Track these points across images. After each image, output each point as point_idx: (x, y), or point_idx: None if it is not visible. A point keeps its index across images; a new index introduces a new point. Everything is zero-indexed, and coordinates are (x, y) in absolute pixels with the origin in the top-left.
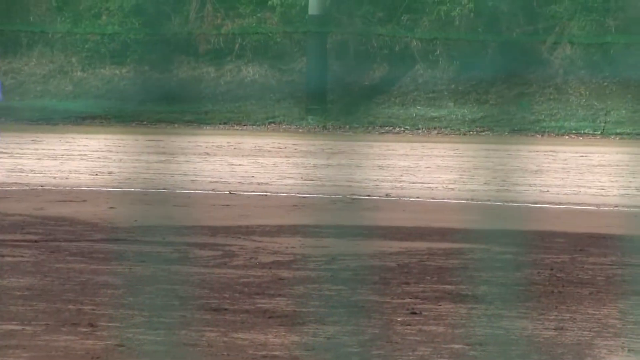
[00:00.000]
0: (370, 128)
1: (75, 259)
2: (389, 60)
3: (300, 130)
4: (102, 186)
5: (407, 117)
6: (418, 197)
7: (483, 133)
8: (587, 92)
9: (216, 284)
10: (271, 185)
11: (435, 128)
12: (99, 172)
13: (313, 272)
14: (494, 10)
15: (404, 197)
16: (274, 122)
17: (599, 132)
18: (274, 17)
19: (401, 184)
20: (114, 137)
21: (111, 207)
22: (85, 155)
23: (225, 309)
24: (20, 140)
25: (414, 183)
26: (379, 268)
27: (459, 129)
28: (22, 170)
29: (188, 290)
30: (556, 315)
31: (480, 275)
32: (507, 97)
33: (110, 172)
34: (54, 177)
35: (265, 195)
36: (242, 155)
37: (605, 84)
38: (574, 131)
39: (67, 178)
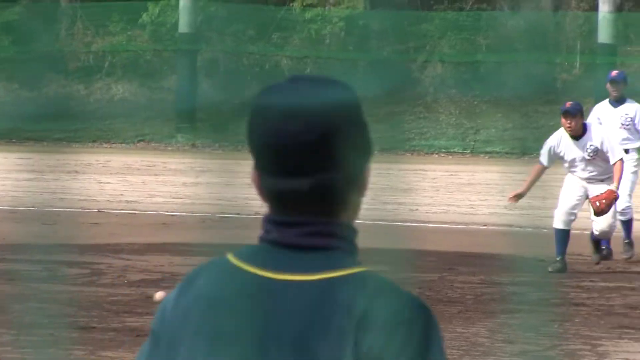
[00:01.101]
0: (239, 146)
1: None
2: (260, 79)
3: (170, 148)
4: None
5: None
6: None
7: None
8: (457, 111)
9: (84, 302)
10: (140, 203)
11: None
12: None
13: None
14: (364, 29)
15: None
16: (143, 140)
17: (469, 151)
18: (144, 34)
19: None
20: None
21: None
22: None
23: (93, 327)
24: None
25: None
26: None
27: None
28: None
29: (56, 308)
30: None
31: None
32: (377, 115)
33: None
34: None
35: (134, 213)
36: (111, 174)
37: (475, 102)
38: (443, 150)
39: None
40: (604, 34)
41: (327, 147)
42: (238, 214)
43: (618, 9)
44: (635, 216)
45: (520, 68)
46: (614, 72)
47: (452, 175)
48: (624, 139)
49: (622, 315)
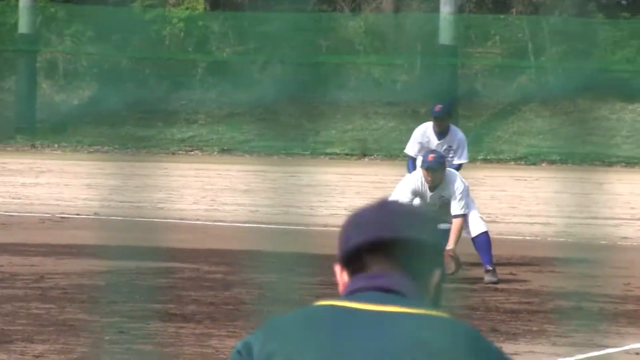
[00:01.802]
0: (78, 147)
1: None
2: (99, 79)
3: (9, 148)
4: None
5: (116, 135)
6: (126, 216)
7: (192, 152)
8: (298, 112)
9: None
10: None
11: (144, 147)
12: None
13: (21, 291)
14: (204, 30)
15: (113, 216)
16: None
17: (309, 152)
18: None
19: (110, 203)
20: None
21: None
22: None
23: None
24: None
25: (122, 202)
26: (88, 287)
27: (167, 148)
28: None
29: None
30: None
31: (189, 295)
32: (217, 116)
33: None
34: None
35: None
36: None
37: (316, 104)
38: (283, 151)
39: None
40: (445, 36)
41: None
42: (77, 214)
43: (459, 10)
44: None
45: (361, 69)
46: (437, 107)
47: (291, 176)
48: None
49: (463, 316)
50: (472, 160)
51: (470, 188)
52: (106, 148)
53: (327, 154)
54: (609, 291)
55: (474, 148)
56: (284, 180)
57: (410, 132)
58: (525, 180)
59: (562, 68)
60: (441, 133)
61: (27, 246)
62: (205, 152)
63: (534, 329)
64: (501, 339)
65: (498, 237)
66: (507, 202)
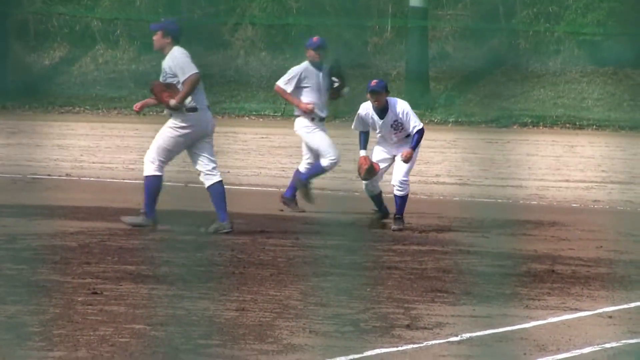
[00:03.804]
0: (50, 108)
1: None
2: (70, 40)
3: None
4: None
5: (87, 97)
6: (98, 177)
7: (163, 113)
8: (269, 74)
9: None
10: None
11: (115, 108)
12: None
13: None
14: None
15: (85, 177)
16: None
17: (280, 114)
18: None
19: (81, 164)
20: None
21: None
22: None
23: None
24: None
25: (94, 163)
26: (60, 248)
27: None
28: None
29: None
30: (237, 296)
31: (162, 256)
32: None
33: None
34: None
35: None
36: None
37: (287, 65)
38: (254, 113)
39: None
40: None
41: None
42: (49, 175)
43: None
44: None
45: (331, 31)
46: (374, 82)
47: (263, 138)
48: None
49: (435, 278)
50: (444, 122)
51: (441, 150)
52: (77, 109)
53: (297, 115)
54: (581, 254)
55: (445, 111)
56: (255, 141)
57: None
58: (497, 143)
59: (533, 31)
60: (382, 110)
61: None
62: None
63: (507, 292)
64: (474, 301)
65: (470, 199)
66: (478, 164)
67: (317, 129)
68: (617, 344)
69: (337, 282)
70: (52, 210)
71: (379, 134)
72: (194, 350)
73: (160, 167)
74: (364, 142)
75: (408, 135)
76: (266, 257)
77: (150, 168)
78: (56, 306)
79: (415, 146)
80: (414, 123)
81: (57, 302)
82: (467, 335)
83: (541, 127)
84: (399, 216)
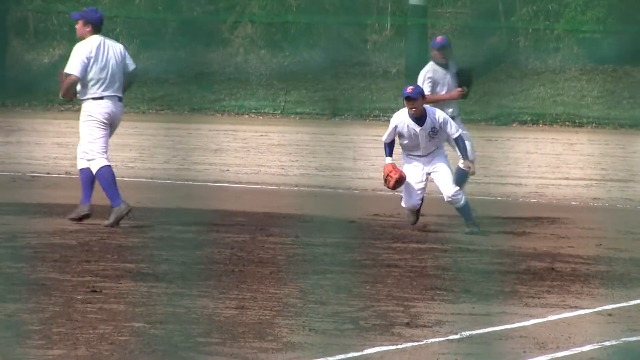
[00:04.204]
0: (49, 106)
1: None
2: (69, 38)
3: None
4: None
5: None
6: None
7: (162, 112)
8: (268, 72)
9: None
10: None
11: None
12: None
13: None
14: None
15: None
16: None
17: (279, 112)
18: None
19: None
20: None
21: None
22: None
23: None
24: None
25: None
26: (60, 246)
27: (138, 107)
28: None
29: None
30: (237, 294)
31: (161, 254)
32: (187, 76)
33: None
34: None
35: None
36: None
37: (286, 63)
38: (254, 110)
39: None
40: None
41: None
42: (48, 173)
43: None
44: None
45: (331, 29)
46: (410, 88)
47: (262, 135)
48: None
49: (435, 276)
50: None
51: None
52: (77, 107)
53: (297, 113)
54: (580, 252)
55: None
56: (255, 139)
57: (380, 92)
58: (497, 140)
59: (533, 29)
60: (419, 118)
61: None
62: (176, 111)
63: (506, 289)
64: (473, 299)
65: (469, 197)
66: (478, 162)
67: None
68: (617, 342)
69: (336, 280)
70: (52, 208)
71: (407, 148)
72: (193, 348)
73: (104, 157)
74: (389, 150)
75: (436, 148)
76: (266, 255)
77: (96, 162)
78: (55, 304)
79: (465, 154)
80: (454, 130)
81: (57, 300)
82: (467, 333)
83: (541, 125)
84: (471, 221)
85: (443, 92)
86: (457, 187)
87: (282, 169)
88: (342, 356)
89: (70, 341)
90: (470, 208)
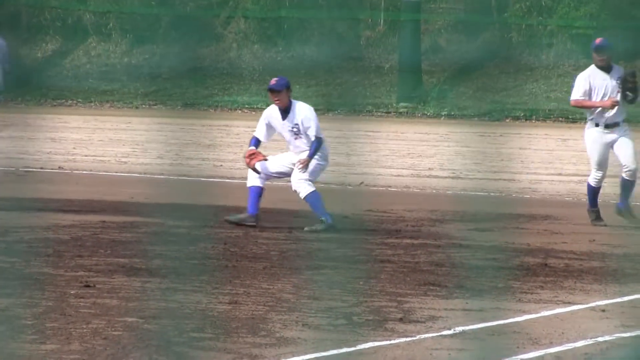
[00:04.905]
0: (42, 101)
1: None
2: (62, 33)
3: None
4: None
5: (80, 90)
6: (91, 170)
7: (156, 107)
8: (261, 67)
9: None
10: None
11: (107, 101)
12: None
13: None
14: None
15: (77, 170)
16: None
17: None
18: None
19: (74, 157)
20: None
21: None
22: None
23: None
24: None
25: (86, 156)
26: (53, 240)
27: (131, 103)
28: None
29: None
30: (230, 290)
31: (154, 249)
32: (179, 70)
33: None
34: None
35: None
36: None
37: (279, 58)
38: (247, 106)
39: None
40: None
41: None
42: (42, 168)
43: None
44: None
45: (324, 25)
46: (274, 80)
47: (255, 131)
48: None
49: (428, 272)
50: (436, 116)
51: (434, 144)
52: (70, 102)
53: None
54: (574, 248)
55: (438, 104)
56: (248, 135)
57: (373, 87)
58: (490, 136)
59: (526, 24)
60: (284, 111)
61: None
62: (169, 106)
63: (500, 285)
64: (467, 295)
65: (462, 193)
66: (471, 158)
67: (599, 142)
68: (610, 338)
69: (330, 276)
70: (45, 203)
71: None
72: (186, 343)
73: None
74: (254, 142)
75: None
76: (259, 250)
77: None
78: (49, 299)
79: (312, 154)
80: (314, 131)
81: (50, 295)
82: (460, 328)
83: (534, 121)
84: (319, 214)
85: (599, 99)
86: (305, 177)
87: None
88: (336, 351)
89: (63, 336)
90: (321, 202)
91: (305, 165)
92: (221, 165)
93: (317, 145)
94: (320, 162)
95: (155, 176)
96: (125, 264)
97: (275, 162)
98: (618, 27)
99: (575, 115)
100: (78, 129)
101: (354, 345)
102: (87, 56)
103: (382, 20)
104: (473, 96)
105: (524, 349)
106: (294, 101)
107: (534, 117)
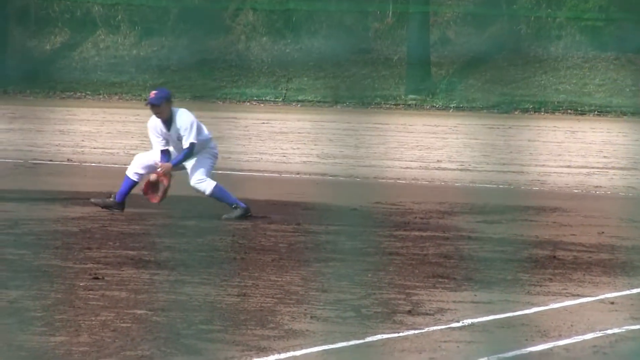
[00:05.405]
0: (51, 93)
1: None
2: (71, 25)
3: None
4: None
5: (89, 82)
6: (100, 163)
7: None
8: (269, 59)
9: None
10: None
11: (116, 94)
12: None
13: None
14: None
15: (86, 162)
16: None
17: (281, 99)
18: None
19: (82, 149)
20: None
21: None
22: None
23: None
24: None
25: (95, 148)
26: (62, 233)
27: (140, 95)
28: None
29: None
30: (239, 282)
31: (163, 241)
32: (188, 63)
33: None
34: None
35: None
36: None
37: (288, 50)
38: (255, 98)
39: None
40: None
41: None
42: (51, 160)
43: None
44: None
45: (333, 17)
46: (152, 94)
47: (264, 123)
48: None
49: (436, 264)
50: (445, 108)
51: (443, 136)
52: (78, 94)
53: (299, 101)
54: (583, 240)
55: (446, 96)
56: (256, 127)
57: (381, 79)
58: (498, 128)
59: (535, 16)
60: (166, 122)
61: (1, 192)
62: (178, 98)
63: (509, 277)
64: (475, 287)
65: (471, 185)
66: (480, 150)
67: None
68: (619, 330)
69: (338, 268)
70: (54, 196)
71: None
72: (195, 336)
73: None
74: (163, 157)
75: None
76: (267, 242)
77: None
78: (58, 291)
79: (174, 162)
80: (186, 140)
81: (59, 287)
82: (469, 321)
83: (542, 113)
84: (233, 206)
85: None
86: (202, 177)
87: (284, 156)
88: (344, 344)
89: (72, 328)
90: (226, 192)
91: (166, 172)
92: (229, 158)
93: (187, 152)
94: (211, 160)
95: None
96: (134, 256)
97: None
98: (627, 20)
99: (584, 107)
100: (87, 121)
101: (363, 338)
102: (96, 48)
103: (390, 12)
104: (482, 88)
105: (533, 342)
106: (174, 110)
107: (542, 109)
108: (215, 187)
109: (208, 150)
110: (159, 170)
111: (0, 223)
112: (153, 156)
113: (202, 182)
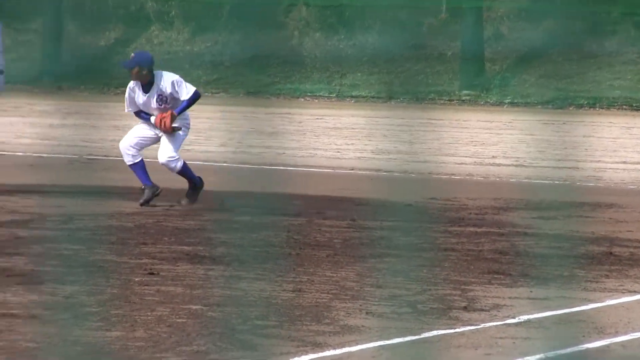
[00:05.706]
0: (105, 89)
1: None
2: (125, 21)
3: (36, 90)
4: None
5: None
6: (154, 158)
7: (218, 95)
8: (323, 55)
9: None
10: (7, 144)
11: None
12: None
13: (50, 232)
14: None
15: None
16: (10, 82)
17: (334, 95)
18: None
19: None
20: None
21: None
22: None
23: None
24: None
25: None
26: (117, 228)
27: None
28: None
29: None
30: (294, 277)
31: (218, 237)
32: (241, 58)
33: None
34: None
35: (2, 154)
36: None
37: (341, 46)
38: (309, 94)
39: None
40: None
41: None
42: (105, 155)
43: None
44: None
45: (386, 12)
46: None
47: (318, 119)
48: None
49: (492, 260)
50: (499, 104)
51: (497, 132)
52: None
53: (353, 97)
54: (639, 236)
55: (500, 92)
56: (310, 123)
57: (435, 75)
58: (553, 124)
59: (589, 11)
60: (145, 86)
61: (56, 187)
62: (231, 94)
63: (565, 274)
64: (532, 283)
65: (526, 181)
66: (535, 146)
67: None
68: None
69: (393, 264)
70: (109, 191)
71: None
72: (250, 331)
73: None
74: (143, 117)
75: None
76: (322, 238)
77: None
78: (113, 286)
79: (180, 111)
80: (184, 93)
81: (114, 283)
82: (525, 317)
83: (597, 109)
84: (192, 185)
85: None
86: (173, 154)
87: (338, 152)
88: (400, 339)
89: (128, 323)
90: (190, 169)
91: (170, 120)
92: (284, 153)
93: (194, 98)
94: (184, 133)
95: (218, 164)
96: (189, 252)
97: (142, 135)
98: None
99: None
100: None
101: (419, 334)
102: (150, 44)
103: (444, 8)
104: (536, 84)
105: (590, 338)
106: (157, 72)
107: (597, 104)
108: (184, 165)
109: (182, 122)
110: (166, 120)
111: (55, 218)
112: (138, 133)
113: (173, 159)
